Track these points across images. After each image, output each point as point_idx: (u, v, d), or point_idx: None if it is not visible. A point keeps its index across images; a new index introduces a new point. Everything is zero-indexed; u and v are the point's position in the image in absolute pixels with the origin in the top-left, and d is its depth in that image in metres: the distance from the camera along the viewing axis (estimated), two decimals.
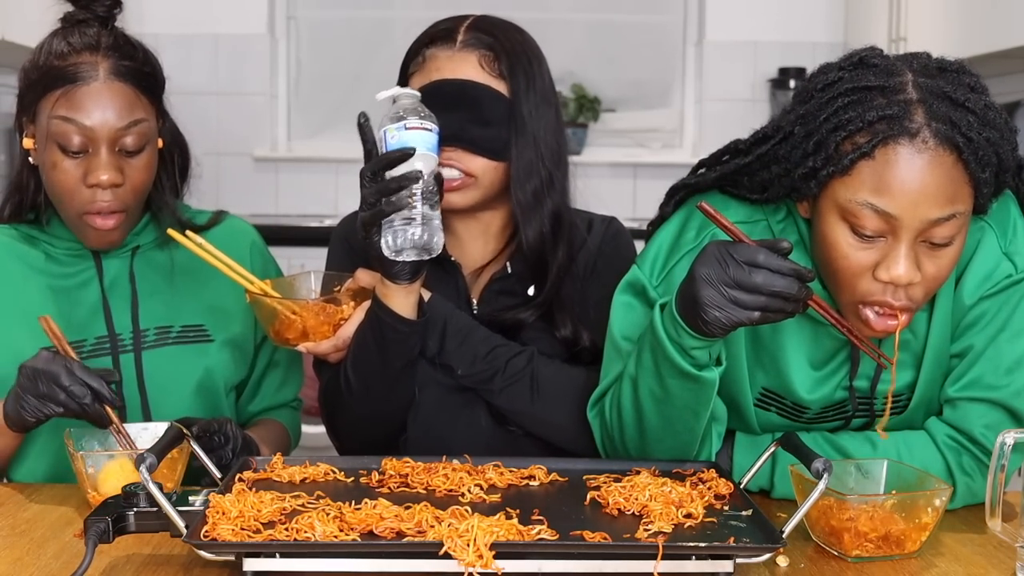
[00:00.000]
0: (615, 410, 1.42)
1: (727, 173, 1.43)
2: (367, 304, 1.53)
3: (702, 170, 1.50)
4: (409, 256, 1.42)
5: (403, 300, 1.49)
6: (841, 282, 1.30)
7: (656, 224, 1.53)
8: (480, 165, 1.57)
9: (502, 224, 1.66)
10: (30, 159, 1.56)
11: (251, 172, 4.26)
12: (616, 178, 4.14)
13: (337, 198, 4.35)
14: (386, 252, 1.42)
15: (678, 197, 1.51)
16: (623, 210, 1.78)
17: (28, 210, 1.62)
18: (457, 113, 1.54)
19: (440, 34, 1.60)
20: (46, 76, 1.50)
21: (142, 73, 1.53)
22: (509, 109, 1.57)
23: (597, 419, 1.48)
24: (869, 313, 1.29)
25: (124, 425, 1.40)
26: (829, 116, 1.26)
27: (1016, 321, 1.37)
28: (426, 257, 1.43)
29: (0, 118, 3.91)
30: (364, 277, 1.57)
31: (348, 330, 1.54)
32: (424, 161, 1.40)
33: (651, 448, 1.40)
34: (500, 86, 1.57)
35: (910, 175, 1.22)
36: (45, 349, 1.41)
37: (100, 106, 1.48)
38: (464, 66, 1.57)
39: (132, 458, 1.33)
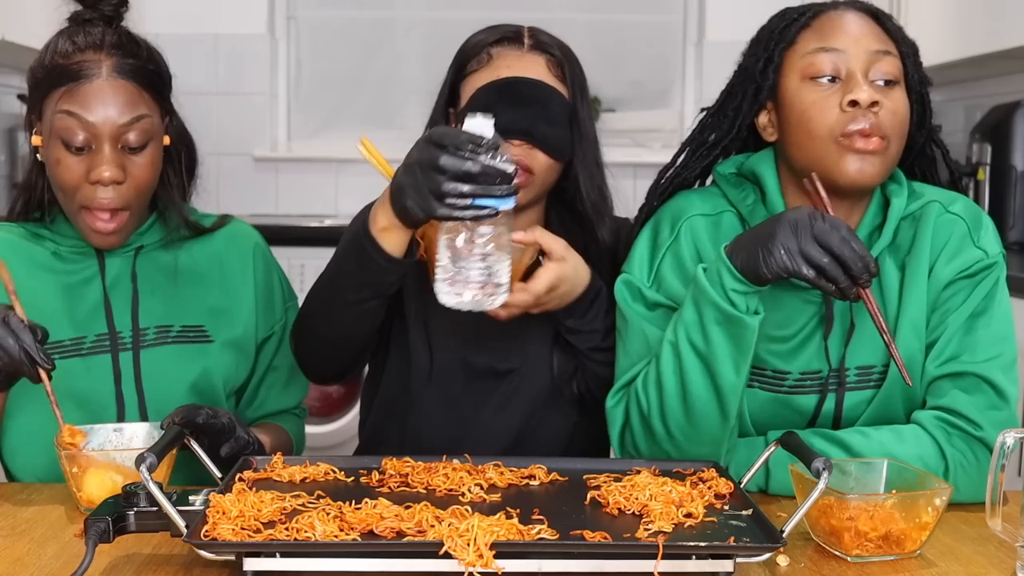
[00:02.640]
0: (655, 388, 1.44)
1: (699, 134, 1.59)
2: (561, 265, 1.50)
3: (682, 157, 1.62)
4: (458, 304, 1.32)
5: (401, 239, 1.42)
6: (815, 130, 1.43)
7: (643, 216, 1.61)
8: (542, 163, 1.61)
9: (528, 225, 1.67)
10: (38, 156, 1.58)
11: (251, 172, 4.26)
12: (616, 178, 4.12)
13: (337, 198, 4.35)
14: (443, 293, 1.33)
15: (662, 188, 1.61)
16: (623, 210, 1.80)
17: (36, 208, 1.63)
18: (528, 109, 1.59)
19: (507, 34, 1.66)
20: (51, 74, 1.52)
21: (145, 71, 1.54)
22: (572, 113, 1.63)
23: (619, 407, 1.49)
24: (849, 148, 1.41)
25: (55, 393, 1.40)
26: (770, 29, 1.52)
27: (989, 303, 1.45)
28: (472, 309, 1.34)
29: (0, 118, 3.92)
30: (550, 242, 1.52)
31: (540, 285, 1.49)
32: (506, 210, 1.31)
33: (697, 417, 1.41)
34: (564, 91, 1.64)
35: (844, 20, 1.46)
36: None
37: (102, 103, 1.50)
38: (534, 67, 1.63)
39: (117, 461, 1.34)
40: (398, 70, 4.40)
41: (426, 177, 1.31)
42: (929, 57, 3.79)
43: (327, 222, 4.03)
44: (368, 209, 1.73)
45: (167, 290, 1.63)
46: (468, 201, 1.28)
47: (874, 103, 1.40)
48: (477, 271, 1.32)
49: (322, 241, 3.69)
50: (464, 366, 1.65)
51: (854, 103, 1.40)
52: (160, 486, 1.12)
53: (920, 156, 1.55)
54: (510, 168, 1.30)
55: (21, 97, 4.04)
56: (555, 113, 1.61)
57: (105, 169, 1.49)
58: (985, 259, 1.45)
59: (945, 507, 1.22)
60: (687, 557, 1.10)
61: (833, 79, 1.43)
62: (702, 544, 1.10)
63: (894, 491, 1.26)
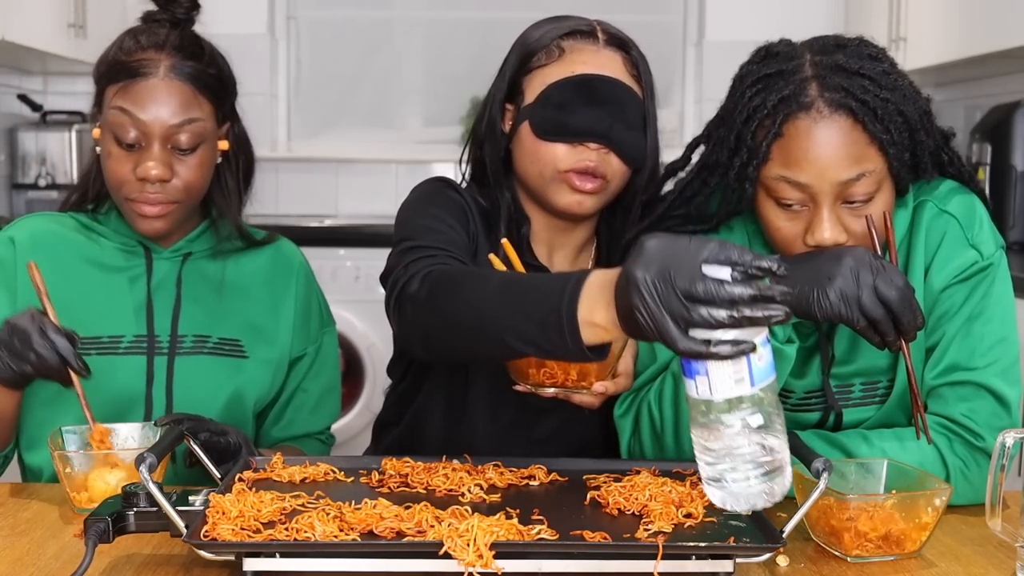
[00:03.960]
0: (671, 407, 1.42)
1: (684, 204, 1.47)
2: (631, 343, 1.42)
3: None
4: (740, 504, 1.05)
5: (608, 337, 1.13)
6: (779, 252, 1.38)
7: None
8: (616, 169, 1.54)
9: (588, 236, 1.65)
10: (97, 148, 1.58)
11: None
12: None
13: (337, 198, 4.35)
14: (715, 496, 1.06)
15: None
16: None
17: (91, 200, 1.64)
18: (607, 110, 1.51)
19: (580, 27, 1.57)
20: (111, 69, 1.54)
21: (204, 74, 1.54)
22: (645, 116, 1.55)
23: (628, 416, 1.48)
24: None
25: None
26: (741, 108, 1.35)
27: (986, 305, 1.42)
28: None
29: (0, 118, 3.92)
30: None
31: (629, 363, 1.45)
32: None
33: None
34: (638, 91, 1.56)
35: (811, 144, 1.31)
36: (34, 308, 1.42)
37: (156, 101, 1.50)
38: (611, 64, 1.54)
39: (110, 464, 1.34)
40: (398, 70, 4.40)
41: (670, 301, 1.00)
42: (929, 57, 3.80)
43: (327, 222, 4.03)
44: (438, 180, 1.63)
45: (210, 300, 1.63)
46: (727, 336, 0.99)
47: (838, 243, 1.33)
48: (751, 463, 1.03)
49: (322, 241, 3.70)
50: (518, 399, 1.55)
51: (816, 245, 1.33)
52: (160, 486, 1.12)
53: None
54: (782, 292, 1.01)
55: (21, 97, 4.04)
56: (632, 116, 1.53)
57: (152, 167, 1.50)
58: (980, 260, 1.42)
59: (945, 507, 1.22)
60: (687, 557, 1.10)
61: (800, 205, 1.34)
62: (702, 544, 1.10)
63: (894, 491, 1.26)
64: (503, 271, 1.38)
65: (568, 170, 1.52)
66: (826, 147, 1.30)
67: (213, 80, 1.56)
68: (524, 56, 1.58)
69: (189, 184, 1.54)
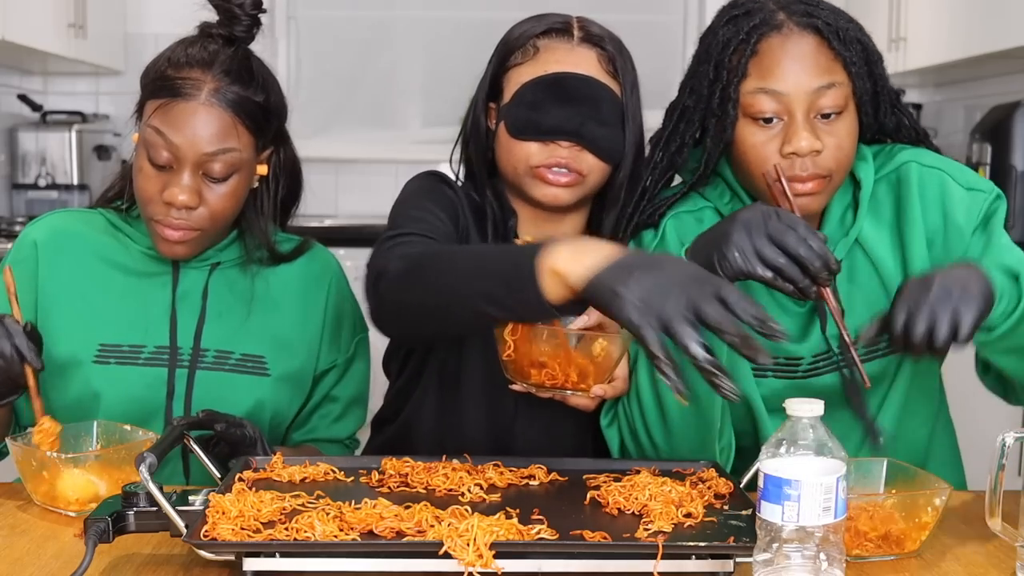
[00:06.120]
0: (635, 403, 1.43)
1: (668, 158, 1.51)
2: (627, 338, 1.39)
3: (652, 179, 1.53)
4: None
5: (563, 290, 1.17)
6: (755, 172, 1.42)
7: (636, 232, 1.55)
8: (591, 164, 1.54)
9: (577, 231, 1.65)
10: (133, 154, 1.55)
11: None
12: None
13: (337, 198, 4.35)
14: None
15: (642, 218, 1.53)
16: None
17: (125, 200, 1.61)
18: (579, 108, 1.52)
19: (555, 25, 1.58)
20: (154, 82, 1.50)
21: (248, 102, 1.50)
22: (622, 112, 1.56)
23: (614, 426, 1.49)
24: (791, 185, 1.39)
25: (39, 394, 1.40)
26: (716, 43, 1.44)
27: (1003, 239, 1.45)
28: None
29: (0, 118, 3.92)
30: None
31: (625, 367, 1.45)
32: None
33: (676, 429, 1.41)
34: (615, 87, 1.57)
35: (783, 55, 1.40)
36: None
37: (192, 126, 1.46)
38: (585, 62, 1.55)
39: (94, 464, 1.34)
40: (398, 70, 4.40)
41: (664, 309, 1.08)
42: (929, 57, 3.80)
43: (327, 222, 4.03)
44: (431, 174, 1.63)
45: (236, 314, 1.59)
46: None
47: (814, 151, 1.38)
48: None
49: (322, 241, 3.68)
50: (511, 398, 1.56)
51: (793, 153, 1.38)
52: (160, 486, 1.12)
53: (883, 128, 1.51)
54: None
55: (21, 97, 4.04)
56: (606, 112, 1.54)
57: (179, 192, 1.46)
58: (987, 195, 1.46)
59: (945, 507, 1.22)
60: (687, 557, 1.10)
61: (776, 117, 1.39)
62: (702, 544, 1.10)
63: (893, 491, 1.26)
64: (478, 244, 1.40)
65: (539, 166, 1.54)
66: (797, 58, 1.39)
67: (256, 109, 1.51)
68: (503, 55, 1.60)
69: (215, 213, 1.50)
